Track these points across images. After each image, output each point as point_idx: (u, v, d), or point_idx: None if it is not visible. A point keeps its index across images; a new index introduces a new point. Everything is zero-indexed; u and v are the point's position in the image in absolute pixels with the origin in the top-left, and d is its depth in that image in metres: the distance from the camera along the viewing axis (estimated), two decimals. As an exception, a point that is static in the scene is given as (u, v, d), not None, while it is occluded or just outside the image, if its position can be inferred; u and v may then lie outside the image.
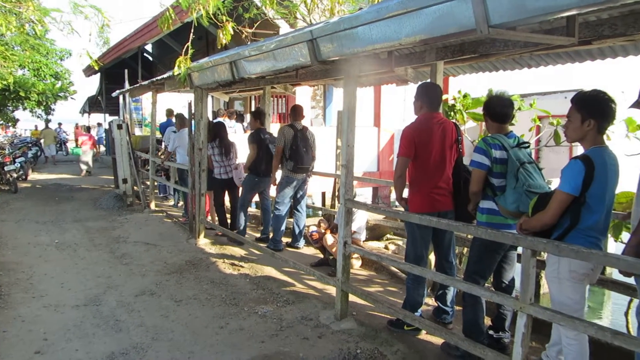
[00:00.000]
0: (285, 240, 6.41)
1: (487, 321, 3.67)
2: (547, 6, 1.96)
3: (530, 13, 2.05)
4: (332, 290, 4.52)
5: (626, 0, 1.90)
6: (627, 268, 2.32)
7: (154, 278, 5.14)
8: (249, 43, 7.96)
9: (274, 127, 7.37)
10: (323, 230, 5.46)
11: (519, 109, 5.65)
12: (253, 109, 7.78)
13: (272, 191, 6.50)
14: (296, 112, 6.11)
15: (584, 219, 2.69)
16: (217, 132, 6.72)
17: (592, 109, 2.68)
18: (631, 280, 2.79)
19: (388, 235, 7.25)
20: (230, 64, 4.78)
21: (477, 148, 3.27)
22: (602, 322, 7.81)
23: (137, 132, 17.46)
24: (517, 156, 3.15)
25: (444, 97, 6.36)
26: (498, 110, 3.37)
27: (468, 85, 6.54)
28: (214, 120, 7.98)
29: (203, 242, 6.51)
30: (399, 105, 13.60)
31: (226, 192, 6.94)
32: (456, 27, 2.39)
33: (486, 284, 3.51)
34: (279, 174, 6.23)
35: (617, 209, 3.87)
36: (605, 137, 2.82)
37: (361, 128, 11.72)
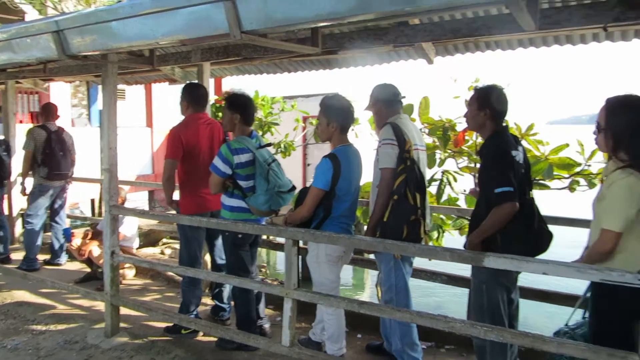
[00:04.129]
0: (43, 257, 5.63)
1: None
2: (289, 18, 2.16)
3: (276, 23, 2.24)
4: (101, 306, 4.15)
5: (352, 19, 2.23)
6: (367, 247, 2.75)
7: None
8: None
9: (22, 128, 6.36)
10: (88, 241, 4.97)
11: (282, 109, 6.13)
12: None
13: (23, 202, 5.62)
14: (49, 111, 5.40)
15: (335, 209, 3.06)
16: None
17: (334, 113, 3.05)
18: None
19: (164, 240, 7.01)
20: (-49, 53, 3.93)
21: (220, 153, 3.26)
22: (364, 296, 9.00)
23: None
24: (263, 157, 3.26)
25: (215, 97, 6.46)
26: (251, 111, 3.42)
27: (250, 87, 6.77)
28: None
29: None
30: (177, 105, 13.20)
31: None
32: (212, 30, 2.44)
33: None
34: (29, 183, 5.42)
35: (365, 197, 4.51)
36: (354, 135, 3.26)
37: (132, 129, 11.06)
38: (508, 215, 2.47)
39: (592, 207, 2.24)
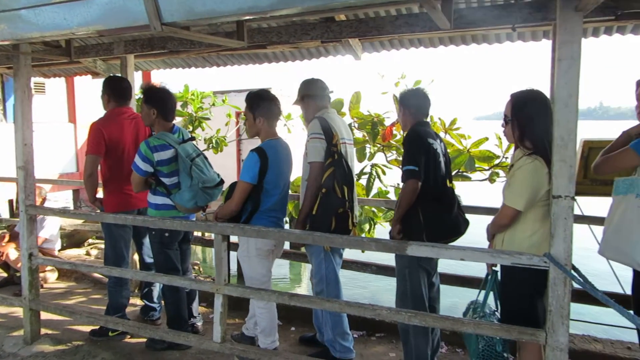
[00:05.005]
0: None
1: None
2: (211, 10, 2.12)
3: (197, 15, 2.19)
4: (20, 311, 3.92)
5: (275, 13, 2.23)
6: (296, 240, 2.78)
7: None
8: None
9: None
10: (4, 244, 4.66)
11: (213, 104, 6.02)
12: None
13: None
14: (-45, 105, 4.99)
15: (264, 202, 3.06)
16: None
17: (260, 108, 3.04)
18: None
19: (90, 240, 6.70)
20: None
21: (139, 151, 3.15)
22: (300, 289, 9.08)
23: None
24: (186, 152, 3.17)
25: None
26: (170, 106, 3.29)
27: (180, 81, 6.57)
28: None
29: None
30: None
31: None
32: (131, 21, 2.35)
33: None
34: None
35: (297, 192, 4.54)
36: (287, 131, 3.25)
37: (53, 124, 10.46)
38: (412, 192, 2.65)
39: (502, 193, 2.41)
